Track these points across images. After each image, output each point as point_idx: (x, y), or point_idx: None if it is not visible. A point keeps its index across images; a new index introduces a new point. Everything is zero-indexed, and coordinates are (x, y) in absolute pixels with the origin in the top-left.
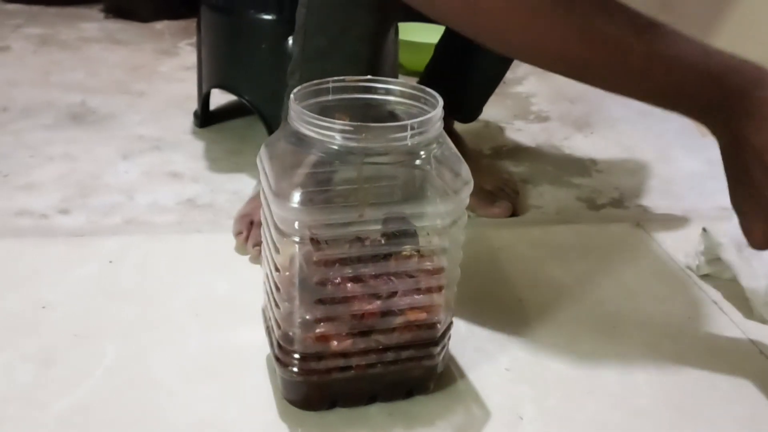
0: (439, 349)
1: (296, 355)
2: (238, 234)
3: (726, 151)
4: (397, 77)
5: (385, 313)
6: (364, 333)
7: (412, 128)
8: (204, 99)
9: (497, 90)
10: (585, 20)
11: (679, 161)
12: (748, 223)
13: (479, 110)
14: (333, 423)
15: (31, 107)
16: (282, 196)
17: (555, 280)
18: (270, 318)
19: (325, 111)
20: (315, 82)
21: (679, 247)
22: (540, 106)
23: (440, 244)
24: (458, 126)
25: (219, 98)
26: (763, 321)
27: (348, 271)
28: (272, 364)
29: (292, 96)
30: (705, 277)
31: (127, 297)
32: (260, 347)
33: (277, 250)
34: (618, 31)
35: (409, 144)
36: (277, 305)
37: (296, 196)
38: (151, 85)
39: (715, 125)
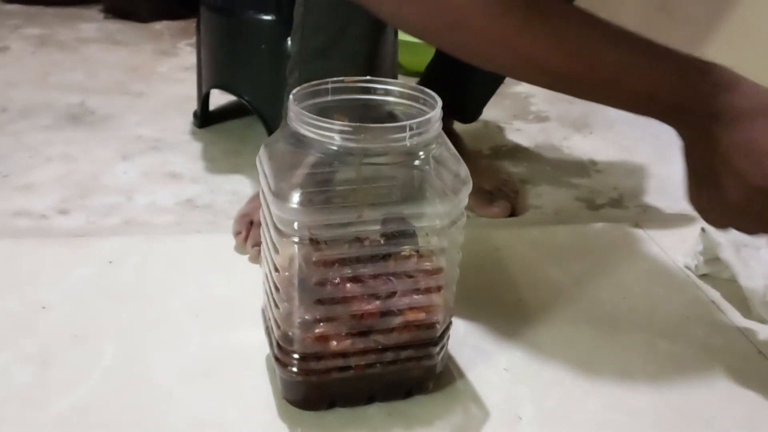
0: (438, 349)
1: (296, 355)
2: (237, 234)
3: (689, 150)
4: (396, 77)
5: (384, 314)
6: (364, 333)
7: (411, 129)
8: (203, 99)
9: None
10: (559, 34)
11: (678, 161)
12: (711, 220)
13: (480, 111)
14: (332, 423)
15: (30, 108)
16: (281, 196)
17: (554, 280)
18: (269, 318)
19: (324, 112)
20: (314, 82)
21: (678, 247)
22: (539, 107)
23: (439, 244)
24: (457, 126)
25: (219, 98)
26: (762, 320)
27: (347, 271)
28: (272, 364)
29: (291, 97)
30: (703, 276)
31: (126, 297)
32: (260, 347)
33: (277, 251)
34: (591, 43)
35: (408, 144)
36: (276, 305)
37: (295, 197)
38: (151, 85)
39: (680, 125)
